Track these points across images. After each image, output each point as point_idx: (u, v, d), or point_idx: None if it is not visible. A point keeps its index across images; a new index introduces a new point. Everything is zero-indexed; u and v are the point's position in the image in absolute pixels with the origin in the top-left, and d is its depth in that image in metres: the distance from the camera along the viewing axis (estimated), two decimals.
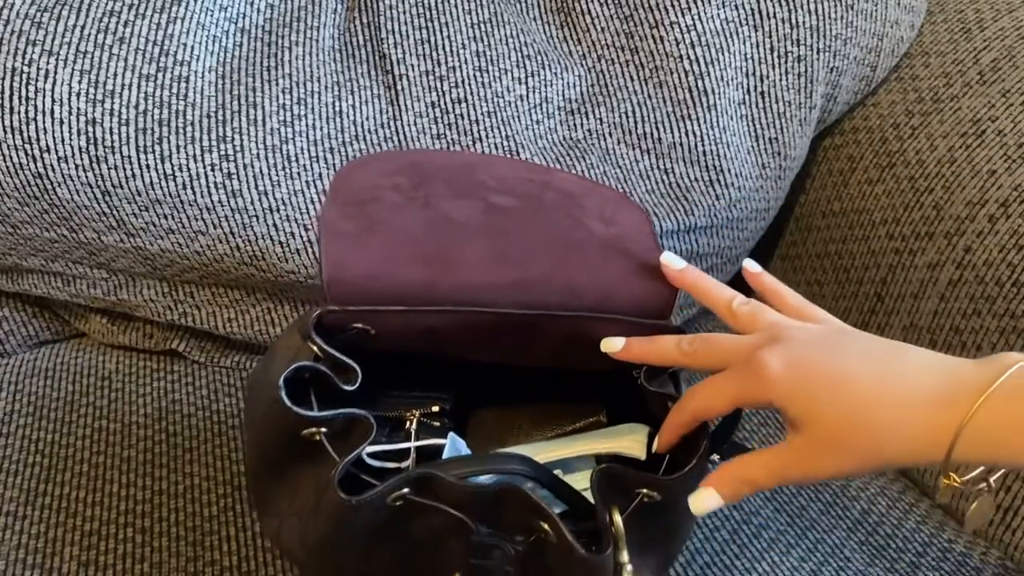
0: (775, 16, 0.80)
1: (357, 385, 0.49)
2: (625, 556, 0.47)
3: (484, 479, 0.49)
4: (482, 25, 0.80)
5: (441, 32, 0.79)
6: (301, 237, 0.73)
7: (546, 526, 0.46)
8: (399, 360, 0.57)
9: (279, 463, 0.50)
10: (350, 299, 0.52)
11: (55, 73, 0.69)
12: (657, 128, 0.79)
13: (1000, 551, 0.69)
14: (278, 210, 0.72)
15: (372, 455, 0.54)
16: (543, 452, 0.57)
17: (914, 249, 0.77)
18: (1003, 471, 0.45)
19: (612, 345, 0.53)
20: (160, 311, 0.80)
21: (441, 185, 0.57)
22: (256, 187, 0.72)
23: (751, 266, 0.55)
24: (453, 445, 0.55)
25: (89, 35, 0.70)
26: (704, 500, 0.47)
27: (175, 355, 0.82)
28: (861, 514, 0.71)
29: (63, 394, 0.77)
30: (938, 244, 0.75)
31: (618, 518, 0.47)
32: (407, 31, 0.78)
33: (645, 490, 0.48)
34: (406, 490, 0.46)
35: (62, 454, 0.72)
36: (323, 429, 0.47)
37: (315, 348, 0.49)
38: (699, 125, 0.79)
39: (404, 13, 0.79)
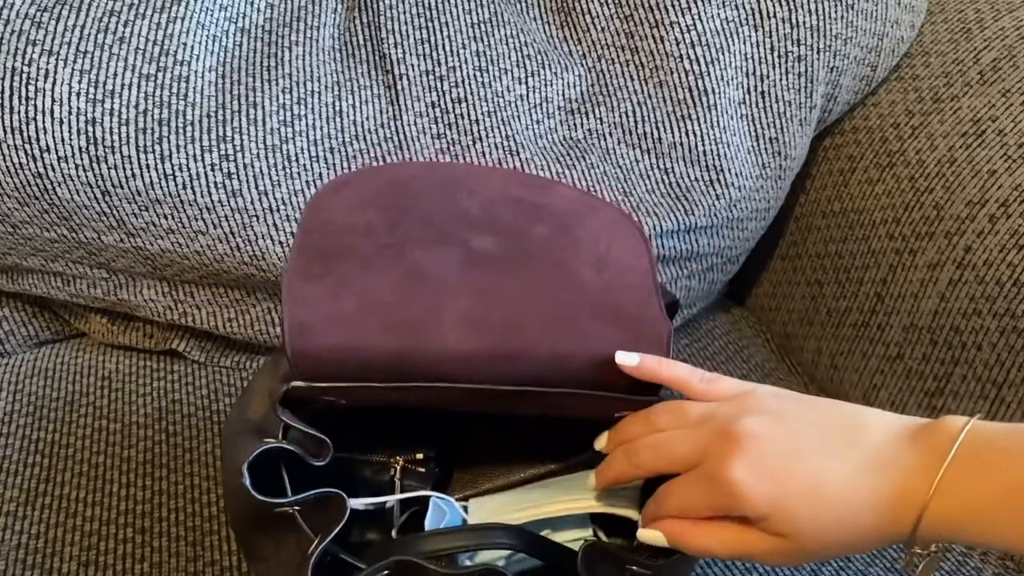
0: (775, 16, 0.80)
1: (328, 460, 0.47)
2: None
3: (466, 562, 0.48)
4: (482, 25, 0.80)
5: (441, 32, 0.79)
6: None
7: None
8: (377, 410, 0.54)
9: (258, 523, 0.48)
10: (318, 371, 0.48)
11: (55, 73, 0.69)
12: (657, 128, 0.79)
13: (1000, 551, 0.69)
14: (278, 210, 0.72)
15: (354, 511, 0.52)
16: (534, 507, 0.54)
17: (914, 249, 0.77)
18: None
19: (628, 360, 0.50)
20: (160, 311, 0.80)
21: (418, 225, 0.53)
22: (256, 187, 0.72)
23: (626, 360, 0.50)
24: (436, 511, 0.53)
25: (89, 35, 0.70)
26: (650, 538, 0.47)
27: (175, 355, 0.82)
28: None
29: (63, 394, 0.77)
30: (938, 244, 0.75)
31: None
32: (407, 31, 0.78)
33: (635, 567, 0.47)
34: (386, 574, 0.45)
35: (62, 454, 0.72)
36: (296, 508, 0.46)
37: (280, 433, 0.47)
38: (699, 125, 0.79)
39: (404, 13, 0.79)
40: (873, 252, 0.81)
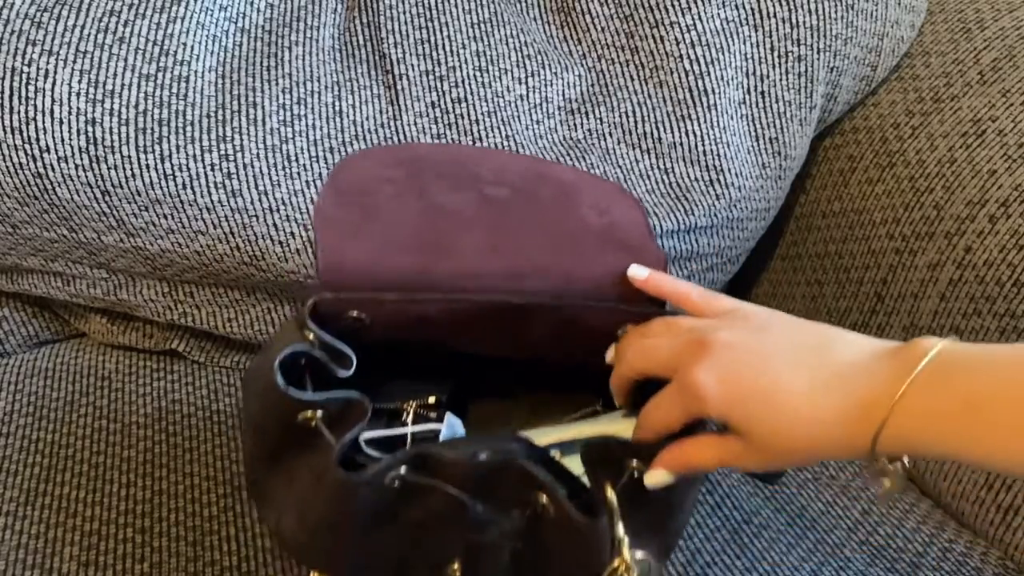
0: (775, 16, 0.80)
1: (352, 371, 0.50)
2: (621, 530, 0.47)
3: (482, 455, 0.49)
4: (482, 25, 0.80)
5: (441, 32, 0.79)
6: (301, 237, 0.73)
7: (543, 498, 0.47)
8: (394, 355, 0.57)
9: (275, 453, 0.50)
10: (345, 288, 0.52)
11: (55, 73, 0.69)
12: (657, 128, 0.79)
13: (1000, 551, 0.69)
14: (278, 210, 0.72)
15: (369, 442, 0.54)
16: (538, 438, 0.57)
17: (914, 249, 0.77)
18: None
19: (638, 272, 0.56)
20: (160, 311, 0.80)
21: (436, 178, 0.57)
22: (256, 187, 0.72)
23: (637, 272, 0.56)
24: (450, 427, 0.55)
25: (89, 35, 0.70)
26: (657, 478, 0.49)
27: (175, 355, 0.82)
28: (861, 514, 0.71)
29: (63, 394, 0.77)
30: (938, 244, 0.75)
31: (611, 492, 0.48)
32: (407, 31, 0.78)
33: (635, 462, 0.49)
34: (403, 470, 0.46)
35: (62, 454, 0.72)
36: (319, 413, 0.48)
37: (310, 336, 0.49)
38: (699, 125, 0.79)
39: (404, 13, 0.79)
40: (873, 252, 0.81)
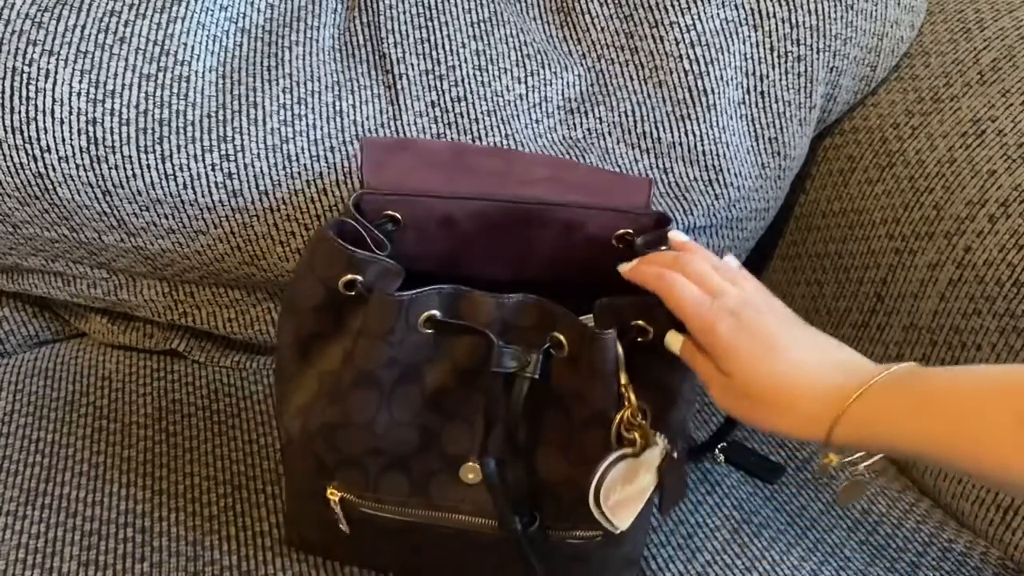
0: (775, 16, 0.80)
1: (387, 253, 0.58)
2: (624, 377, 0.54)
3: (505, 299, 0.56)
4: (482, 24, 0.80)
5: (441, 31, 0.79)
6: (302, 237, 0.73)
7: (560, 336, 0.54)
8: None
9: (309, 340, 0.58)
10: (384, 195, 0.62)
11: (55, 73, 0.69)
12: (657, 128, 0.79)
13: (1000, 551, 0.69)
14: (278, 210, 0.72)
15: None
16: None
17: (914, 249, 0.77)
18: (878, 457, 0.55)
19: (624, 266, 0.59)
20: (160, 311, 0.80)
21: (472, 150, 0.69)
22: (257, 187, 0.72)
23: (677, 237, 0.61)
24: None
25: (89, 35, 0.70)
26: (672, 342, 0.55)
27: (175, 355, 0.82)
28: (861, 514, 0.71)
29: (63, 394, 0.77)
30: (938, 244, 0.75)
31: (618, 345, 0.53)
32: (407, 31, 0.78)
33: (641, 322, 0.55)
34: (437, 313, 0.55)
35: (62, 454, 0.72)
36: (359, 278, 0.55)
37: (353, 223, 0.57)
38: (699, 125, 0.79)
39: (404, 13, 0.79)
40: (873, 252, 0.81)
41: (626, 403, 0.53)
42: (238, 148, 0.72)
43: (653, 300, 0.54)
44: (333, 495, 0.58)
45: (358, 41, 0.79)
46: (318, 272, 0.56)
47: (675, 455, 0.55)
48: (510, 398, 0.54)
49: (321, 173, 0.73)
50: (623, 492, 0.53)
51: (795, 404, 0.49)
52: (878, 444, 0.48)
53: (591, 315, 0.56)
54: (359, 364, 0.55)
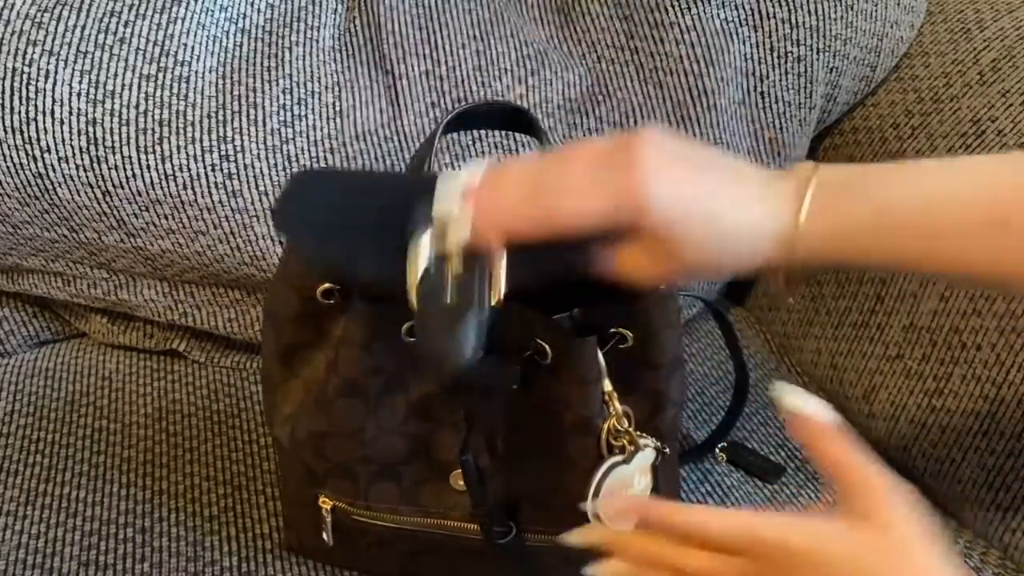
0: (775, 16, 0.80)
1: None
2: (608, 385, 0.52)
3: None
4: (482, 25, 0.80)
5: (441, 32, 0.79)
6: None
7: (541, 343, 0.51)
8: None
9: (291, 349, 0.56)
10: None
11: (55, 73, 0.69)
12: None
13: (1000, 551, 0.69)
14: None
15: None
16: None
17: None
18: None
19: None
20: (160, 311, 0.80)
21: None
22: (257, 187, 0.72)
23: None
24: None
25: (89, 35, 0.70)
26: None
27: (175, 355, 0.82)
28: None
29: (63, 394, 0.77)
30: None
31: (600, 355, 0.52)
32: (407, 31, 0.78)
33: (622, 329, 0.53)
34: None
35: (62, 454, 0.72)
36: (337, 287, 0.53)
37: None
38: (699, 125, 0.79)
39: (404, 13, 0.79)
40: None
41: (610, 411, 0.53)
42: (238, 148, 0.72)
43: (634, 305, 0.53)
44: (325, 504, 0.58)
45: (358, 42, 0.79)
46: (292, 281, 0.54)
47: (666, 451, 0.54)
48: (492, 405, 0.53)
49: None
50: (622, 500, 0.53)
51: (740, 251, 0.43)
52: (844, 261, 0.44)
53: (567, 314, 0.55)
54: (343, 373, 0.54)
